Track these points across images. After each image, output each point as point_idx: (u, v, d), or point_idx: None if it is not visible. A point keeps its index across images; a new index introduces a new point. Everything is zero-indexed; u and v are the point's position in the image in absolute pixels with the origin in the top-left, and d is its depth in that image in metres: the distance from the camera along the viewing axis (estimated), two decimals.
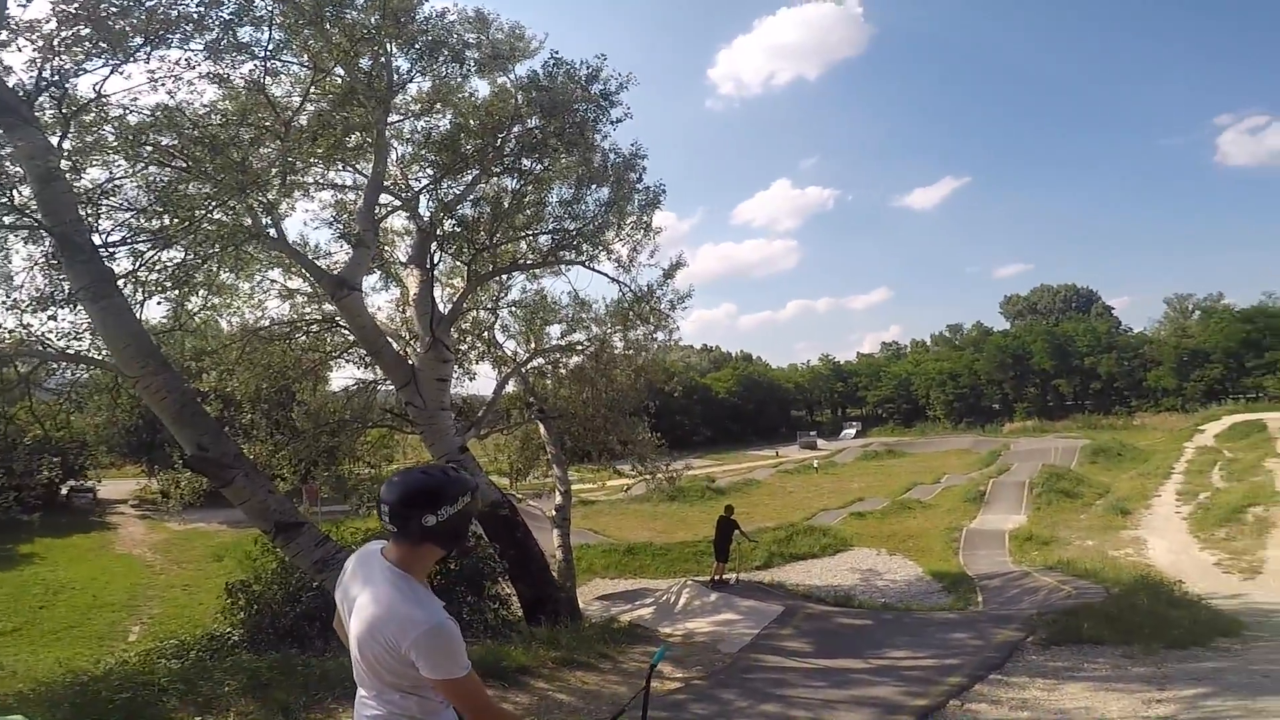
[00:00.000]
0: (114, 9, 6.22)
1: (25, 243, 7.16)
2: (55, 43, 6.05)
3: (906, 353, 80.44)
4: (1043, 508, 24.33)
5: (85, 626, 14.77)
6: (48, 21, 5.96)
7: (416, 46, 9.03)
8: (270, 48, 7.43)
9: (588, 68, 9.74)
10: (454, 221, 10.31)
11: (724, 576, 13.75)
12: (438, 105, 10.42)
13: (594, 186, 10.91)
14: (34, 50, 6.02)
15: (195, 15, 6.59)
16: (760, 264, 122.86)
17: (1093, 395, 59.95)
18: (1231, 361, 52.48)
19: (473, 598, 9.14)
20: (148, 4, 6.39)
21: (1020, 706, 5.77)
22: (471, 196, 10.63)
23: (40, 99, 6.40)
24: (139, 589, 17.87)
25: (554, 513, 14.53)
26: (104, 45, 6.20)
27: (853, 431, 62.50)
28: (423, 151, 10.57)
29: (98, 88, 6.59)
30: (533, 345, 14.80)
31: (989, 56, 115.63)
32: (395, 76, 9.27)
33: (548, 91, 9.39)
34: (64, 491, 27.84)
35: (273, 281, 11.48)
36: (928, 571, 17.93)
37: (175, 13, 6.46)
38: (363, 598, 1.85)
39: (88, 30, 6.01)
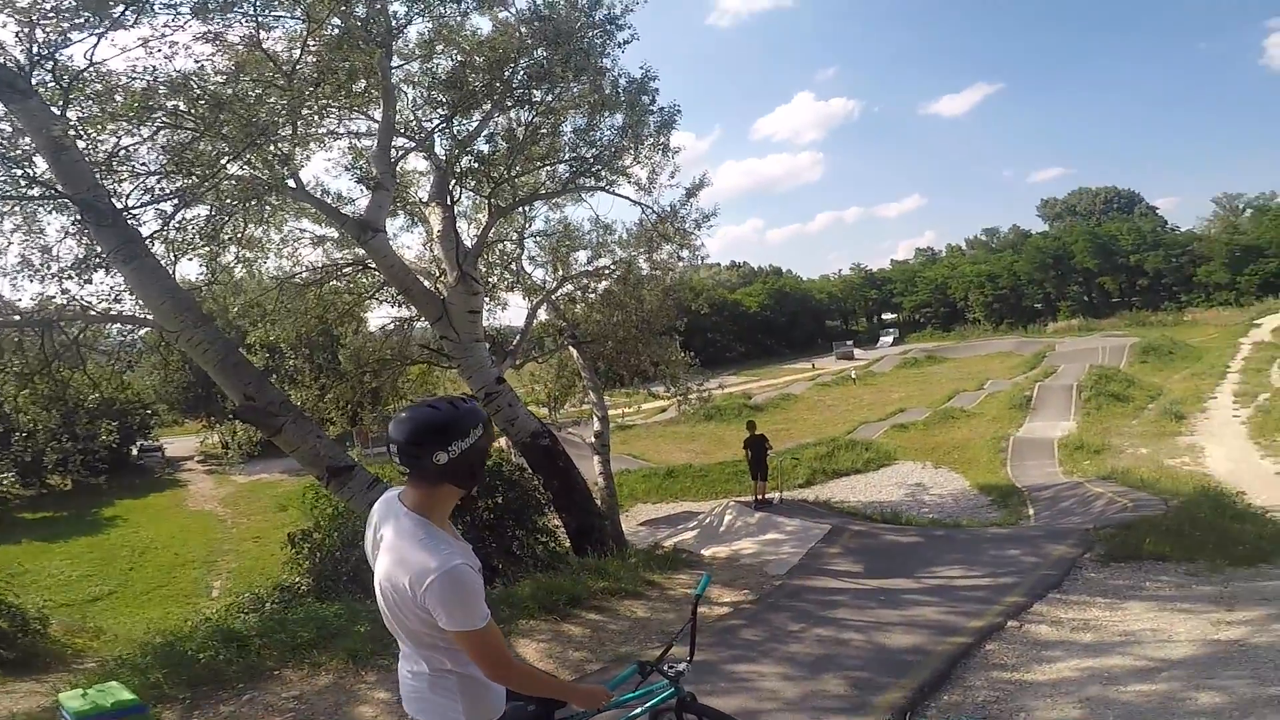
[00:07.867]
0: None
1: (52, 212, 7.25)
2: (34, 15, 5.87)
3: (942, 257, 78.05)
4: (1092, 413, 23.77)
5: (172, 585, 16.10)
6: None
7: None
8: (258, 2, 7.09)
9: None
10: (470, 158, 10.21)
11: (766, 496, 13.64)
12: (440, 46, 10.12)
13: (607, 113, 10.78)
14: (16, 25, 5.89)
15: None
16: (785, 177, 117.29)
17: (1140, 293, 57.49)
18: None
19: (522, 532, 9.31)
20: None
21: (1083, 628, 5.55)
22: (486, 132, 10.52)
23: (36, 73, 6.32)
24: (215, 543, 19.18)
25: (594, 439, 14.72)
26: (85, 14, 6.01)
27: (890, 339, 61.40)
28: (431, 92, 10.40)
29: (89, 55, 6.49)
30: (560, 273, 14.72)
31: None
32: (393, 22, 8.93)
33: (551, 21, 9.14)
34: (134, 452, 28.88)
35: (303, 231, 11.64)
36: (975, 485, 17.68)
37: None
38: (382, 547, 1.79)
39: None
